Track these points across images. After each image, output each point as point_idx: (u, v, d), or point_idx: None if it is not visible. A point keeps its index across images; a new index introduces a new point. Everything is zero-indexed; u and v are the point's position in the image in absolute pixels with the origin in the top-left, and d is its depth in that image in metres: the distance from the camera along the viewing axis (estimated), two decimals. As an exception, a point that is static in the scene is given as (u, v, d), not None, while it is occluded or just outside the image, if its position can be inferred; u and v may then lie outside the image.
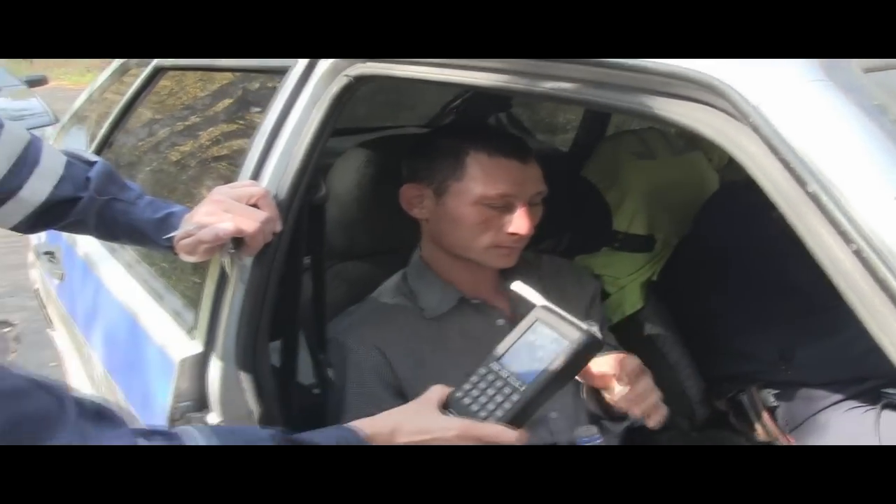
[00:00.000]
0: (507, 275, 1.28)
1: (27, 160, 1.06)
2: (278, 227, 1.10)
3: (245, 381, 1.15)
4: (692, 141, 1.78)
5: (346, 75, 1.15)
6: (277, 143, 1.17)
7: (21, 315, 4.24)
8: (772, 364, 1.53)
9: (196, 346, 1.21)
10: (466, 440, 0.88)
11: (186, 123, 1.71)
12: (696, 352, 1.63)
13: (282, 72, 1.26)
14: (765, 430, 1.53)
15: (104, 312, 1.60)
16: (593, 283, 1.46)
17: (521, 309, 1.27)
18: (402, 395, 1.17)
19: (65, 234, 1.96)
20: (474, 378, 0.94)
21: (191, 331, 1.24)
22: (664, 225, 1.76)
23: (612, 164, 1.76)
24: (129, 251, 1.59)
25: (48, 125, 6.61)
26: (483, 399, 0.91)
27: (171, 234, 1.09)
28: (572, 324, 0.92)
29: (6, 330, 4.13)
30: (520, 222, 1.17)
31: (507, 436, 0.88)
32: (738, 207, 1.55)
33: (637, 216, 1.74)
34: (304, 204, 1.16)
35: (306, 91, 1.18)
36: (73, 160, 1.12)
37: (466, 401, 0.92)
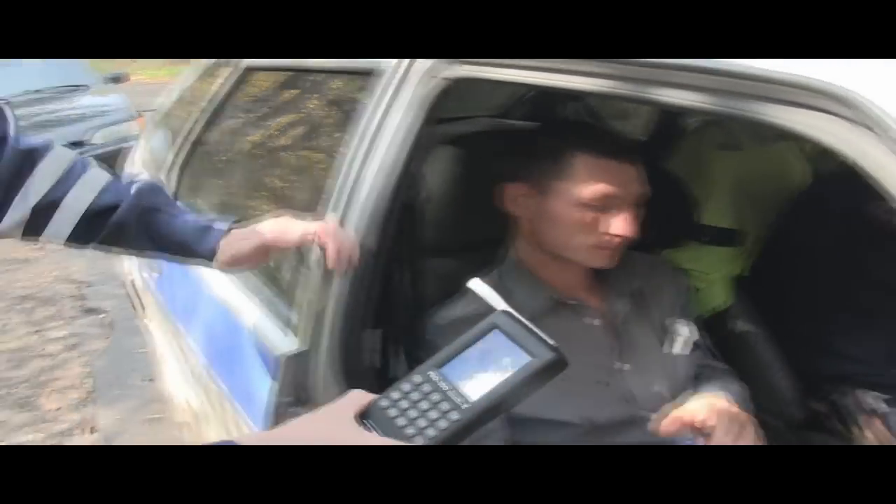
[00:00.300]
0: (601, 273, 1.27)
1: (72, 174, 1.12)
2: (355, 255, 1.12)
3: (347, 377, 1.17)
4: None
5: (444, 78, 1.16)
6: (377, 145, 1.19)
7: (111, 303, 4.42)
8: (878, 366, 1.48)
9: (298, 343, 1.24)
10: None
11: (277, 123, 1.74)
12: (791, 351, 1.58)
13: (371, 73, 1.27)
14: (875, 435, 1.48)
15: (204, 307, 1.65)
16: (685, 281, 1.44)
17: (614, 307, 1.27)
18: None
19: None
20: (406, 386, 0.78)
21: (292, 327, 1.27)
22: (753, 218, 1.71)
23: (697, 157, 1.73)
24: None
25: (130, 120, 6.83)
26: (413, 413, 0.75)
27: (220, 234, 1.12)
28: (537, 337, 0.79)
29: (100, 316, 4.29)
30: (623, 224, 1.17)
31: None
32: (837, 201, 1.50)
33: (724, 210, 1.71)
34: (403, 204, 1.17)
35: (404, 93, 1.20)
36: (120, 177, 1.17)
37: (392, 412, 0.76)
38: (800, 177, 1.72)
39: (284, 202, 1.60)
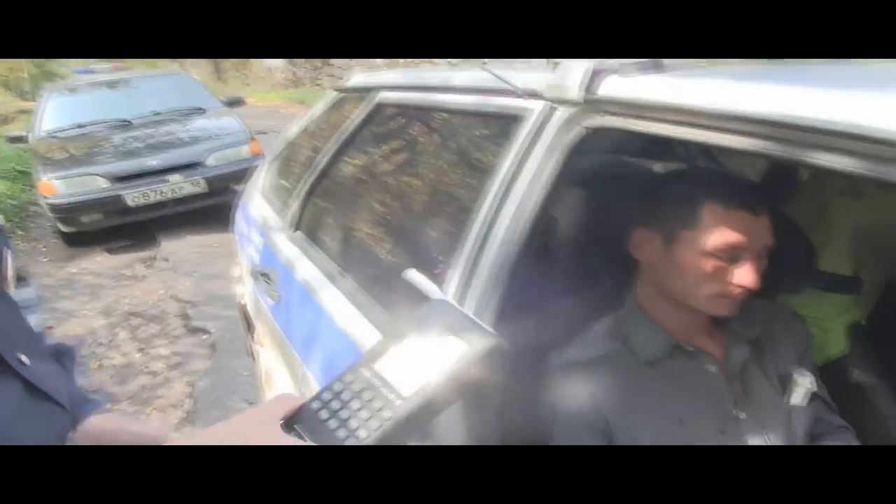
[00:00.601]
0: (721, 320, 1.29)
1: None
2: None
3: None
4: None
5: (585, 126, 1.20)
6: (515, 187, 1.23)
7: (216, 324, 4.60)
8: None
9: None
10: None
11: (408, 159, 1.81)
12: None
13: (513, 118, 1.32)
14: None
15: (325, 337, 1.72)
16: (804, 329, 1.44)
17: (733, 355, 1.27)
18: (610, 442, 1.22)
19: (282, 258, 2.13)
20: (337, 385, 0.75)
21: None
22: (873, 265, 1.70)
23: (817, 203, 1.73)
24: (350, 280, 1.70)
25: (245, 143, 7.14)
26: (345, 414, 0.72)
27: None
28: (475, 325, 0.75)
29: (203, 337, 4.48)
30: (747, 275, 1.18)
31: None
32: None
33: (843, 256, 1.70)
34: (536, 248, 1.21)
35: (543, 139, 1.24)
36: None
37: (323, 414, 0.73)
38: None
39: (406, 237, 1.67)
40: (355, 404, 0.72)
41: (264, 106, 17.64)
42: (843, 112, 0.78)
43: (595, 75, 1.16)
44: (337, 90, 2.49)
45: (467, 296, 1.24)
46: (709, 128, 0.98)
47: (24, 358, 0.82)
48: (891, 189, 0.82)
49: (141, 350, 4.43)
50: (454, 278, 1.28)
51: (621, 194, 1.35)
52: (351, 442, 0.70)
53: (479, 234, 1.26)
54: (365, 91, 2.18)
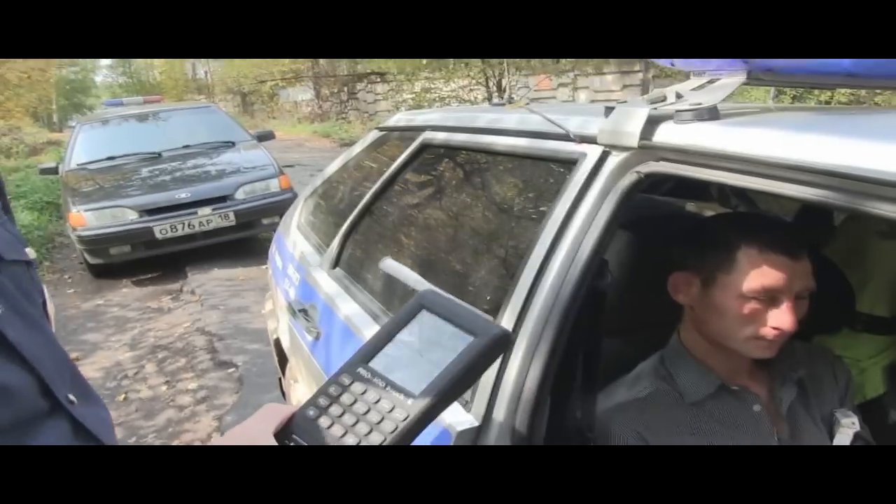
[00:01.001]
0: (766, 361, 1.32)
1: None
2: None
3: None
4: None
5: (637, 171, 1.24)
6: (567, 232, 1.28)
7: (242, 358, 4.66)
8: None
9: (472, 419, 1.31)
10: None
11: (454, 200, 1.86)
12: None
13: (566, 161, 1.37)
14: None
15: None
16: (846, 372, 1.47)
17: (779, 395, 1.30)
18: None
19: (321, 294, 2.17)
20: (333, 389, 0.71)
21: (465, 404, 1.35)
22: None
23: (856, 245, 1.78)
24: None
25: (274, 177, 7.25)
26: (349, 419, 0.69)
27: None
28: (473, 314, 0.73)
29: (230, 370, 4.53)
30: (784, 318, 1.21)
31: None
32: None
33: (881, 297, 1.77)
34: (590, 290, 1.24)
35: (597, 184, 1.28)
36: None
37: (323, 422, 0.69)
38: None
39: (453, 278, 1.71)
40: (360, 407, 0.69)
41: (290, 139, 17.91)
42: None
43: (651, 121, 1.20)
44: (379, 129, 2.55)
45: (519, 336, 1.27)
46: (765, 176, 1.02)
47: (71, 396, 0.84)
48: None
49: (167, 383, 4.49)
50: (506, 320, 1.31)
51: (663, 236, 1.39)
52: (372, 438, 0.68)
53: (531, 276, 1.30)
54: (409, 130, 2.24)
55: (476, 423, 1.31)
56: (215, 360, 4.75)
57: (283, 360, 2.87)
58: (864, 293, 1.73)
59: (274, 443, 0.68)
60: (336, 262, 2.26)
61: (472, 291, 1.55)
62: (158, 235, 6.68)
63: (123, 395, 4.36)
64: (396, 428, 0.67)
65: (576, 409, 1.34)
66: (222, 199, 6.93)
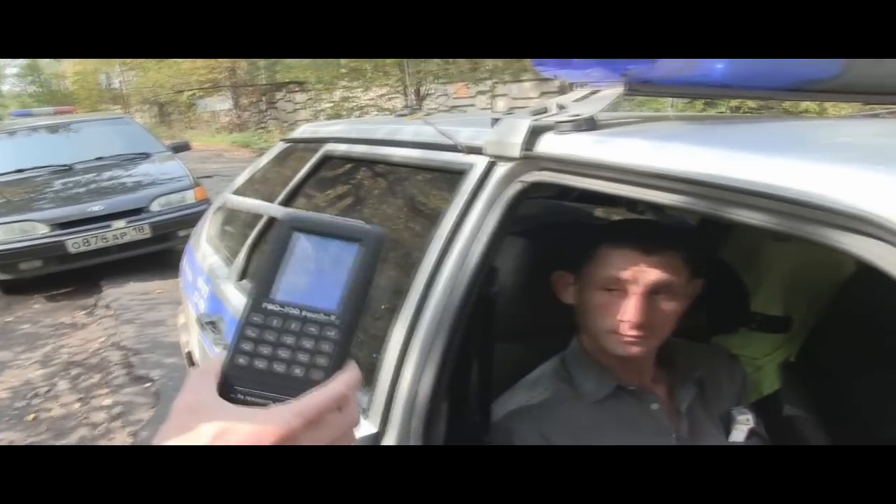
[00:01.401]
0: (663, 362, 1.37)
1: None
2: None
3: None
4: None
5: (521, 181, 1.27)
6: (456, 241, 1.30)
7: (158, 372, 4.56)
8: None
9: (369, 427, 1.33)
10: (297, 430, 0.61)
11: (354, 211, 1.86)
12: (841, 438, 1.64)
13: (456, 172, 1.39)
14: None
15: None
16: (742, 371, 1.53)
17: (679, 394, 1.34)
18: None
19: (229, 307, 2.15)
20: (250, 332, 0.68)
21: (364, 411, 1.37)
22: (801, 305, 1.83)
23: (750, 247, 1.85)
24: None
25: (189, 189, 7.13)
26: (285, 353, 0.67)
27: None
28: (346, 223, 0.71)
29: (146, 385, 4.43)
30: (628, 309, 1.25)
31: (352, 378, 0.67)
32: (884, 288, 1.58)
33: (775, 297, 1.84)
34: (480, 297, 1.27)
35: (484, 193, 1.31)
36: None
37: (259, 364, 0.67)
38: (847, 266, 1.82)
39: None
40: (288, 339, 0.67)
41: (209, 149, 17.61)
42: (755, 172, 0.87)
43: (533, 133, 1.24)
44: (285, 141, 2.54)
45: (412, 343, 1.29)
46: (634, 184, 1.06)
47: None
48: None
49: (81, 400, 4.36)
50: (399, 327, 1.33)
51: (556, 243, 1.43)
52: (315, 375, 0.66)
53: (424, 284, 1.32)
54: (312, 142, 2.24)
55: (374, 430, 1.33)
56: (131, 374, 4.64)
57: (195, 373, 2.83)
58: (759, 293, 1.80)
59: (224, 404, 0.63)
60: (243, 274, 2.25)
61: (368, 301, 1.56)
62: (71, 249, 6.49)
63: (33, 415, 4.22)
64: (334, 347, 0.67)
65: (474, 414, 1.37)
66: (137, 211, 6.77)
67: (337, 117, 12.38)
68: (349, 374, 0.66)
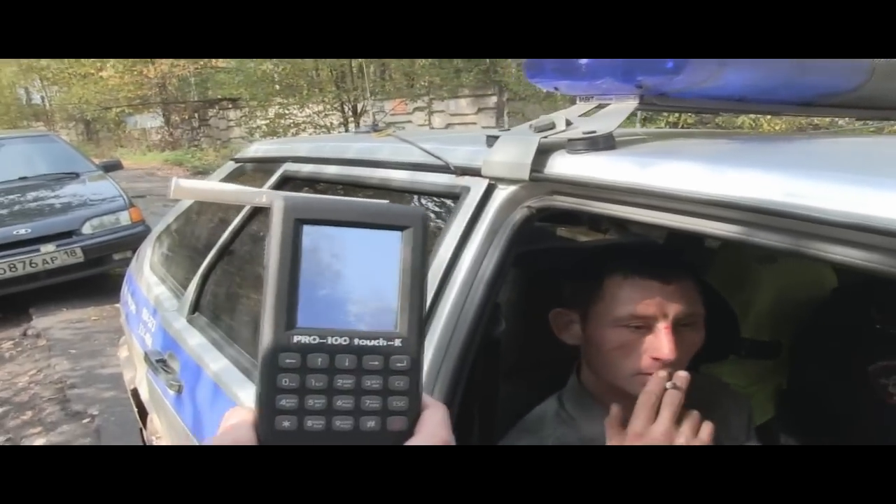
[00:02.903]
0: None
1: None
2: None
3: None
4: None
5: (528, 206, 1.13)
6: (455, 275, 1.15)
7: (98, 407, 4.29)
8: None
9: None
10: None
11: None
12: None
13: (448, 196, 1.24)
14: None
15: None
16: (747, 403, 1.42)
17: None
18: None
19: (182, 343, 1.96)
20: (287, 381, 0.50)
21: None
22: (789, 328, 1.74)
23: (737, 271, 1.75)
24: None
25: (123, 209, 6.81)
26: (345, 402, 0.51)
27: None
28: (377, 207, 0.54)
29: (85, 421, 4.15)
30: (660, 345, 1.10)
31: (444, 417, 0.54)
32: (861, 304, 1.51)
33: (763, 322, 1.75)
34: (483, 338, 1.12)
35: (483, 220, 1.16)
36: None
37: (315, 424, 0.50)
38: (828, 281, 1.75)
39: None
40: (345, 381, 0.50)
41: (141, 168, 17.12)
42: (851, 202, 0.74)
43: (541, 151, 1.10)
44: (235, 160, 2.35)
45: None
46: (673, 211, 0.93)
47: None
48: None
49: (9, 441, 4.04)
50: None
51: (547, 270, 1.29)
52: (395, 425, 0.51)
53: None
54: (268, 162, 2.07)
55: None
56: (67, 410, 4.33)
57: (142, 411, 2.61)
58: (747, 319, 1.70)
59: None
60: (195, 307, 2.05)
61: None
62: (-5, 276, 6.11)
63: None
64: (409, 383, 0.51)
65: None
66: (68, 234, 6.41)
67: (273, 134, 12.12)
68: (438, 413, 0.52)
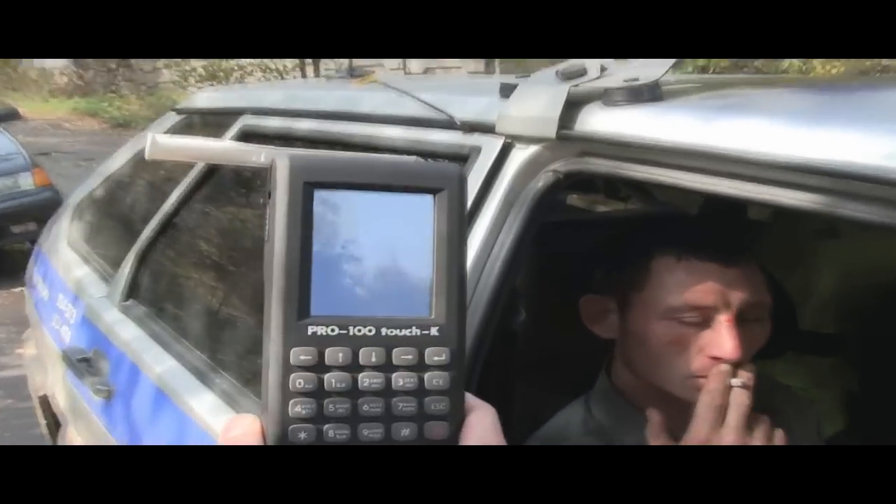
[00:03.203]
0: None
1: None
2: None
3: None
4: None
5: (554, 170, 1.14)
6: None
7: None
8: None
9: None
10: None
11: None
12: None
13: (454, 157, 1.26)
14: None
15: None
16: (815, 412, 1.43)
17: None
18: None
19: (113, 338, 1.97)
20: (302, 382, 0.50)
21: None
22: (860, 320, 1.74)
23: (791, 247, 1.75)
24: (228, 379, 1.57)
25: (25, 171, 6.77)
26: (374, 407, 0.51)
27: None
28: (405, 165, 0.57)
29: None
30: (723, 342, 1.10)
31: (493, 419, 0.56)
32: None
33: (827, 311, 1.72)
34: (498, 331, 1.14)
35: (498, 188, 1.18)
36: None
37: (339, 434, 0.50)
38: None
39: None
40: (374, 380, 0.51)
41: (43, 118, 16.93)
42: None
43: (571, 103, 1.11)
44: (178, 111, 2.37)
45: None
46: (741, 178, 0.94)
47: None
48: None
49: None
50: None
51: (571, 248, 1.32)
52: (436, 432, 0.51)
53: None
54: (221, 115, 2.08)
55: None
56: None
57: (55, 423, 2.63)
58: (807, 307, 1.71)
59: None
60: (129, 293, 2.07)
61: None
62: None
63: None
64: (449, 374, 0.51)
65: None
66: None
67: (212, 79, 12.06)
68: (487, 417, 0.53)
